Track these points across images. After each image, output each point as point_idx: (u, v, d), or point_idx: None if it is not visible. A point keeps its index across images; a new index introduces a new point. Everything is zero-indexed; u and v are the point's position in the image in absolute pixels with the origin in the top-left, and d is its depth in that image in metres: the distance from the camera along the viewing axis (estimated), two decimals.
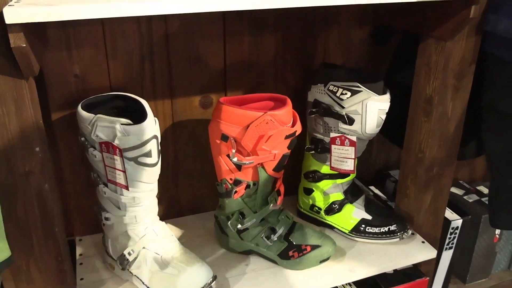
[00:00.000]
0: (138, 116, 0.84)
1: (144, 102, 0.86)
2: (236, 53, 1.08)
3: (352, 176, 1.11)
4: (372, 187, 1.38)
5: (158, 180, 0.90)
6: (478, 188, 1.47)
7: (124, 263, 0.91)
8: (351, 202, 1.12)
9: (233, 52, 1.07)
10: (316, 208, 1.14)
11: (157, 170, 0.86)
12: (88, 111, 0.84)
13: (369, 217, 1.10)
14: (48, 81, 0.95)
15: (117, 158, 0.81)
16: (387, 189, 1.37)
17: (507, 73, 0.94)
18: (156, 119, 0.86)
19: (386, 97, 1.01)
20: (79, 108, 0.85)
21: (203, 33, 1.03)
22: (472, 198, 1.41)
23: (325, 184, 1.11)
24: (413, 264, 1.14)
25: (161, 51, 1.01)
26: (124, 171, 0.82)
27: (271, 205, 0.99)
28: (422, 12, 0.97)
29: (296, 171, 1.19)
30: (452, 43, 0.95)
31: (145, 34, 0.98)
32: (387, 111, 1.02)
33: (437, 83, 0.99)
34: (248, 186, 0.97)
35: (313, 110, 1.05)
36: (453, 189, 1.45)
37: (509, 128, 0.94)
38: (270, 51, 1.11)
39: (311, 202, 1.14)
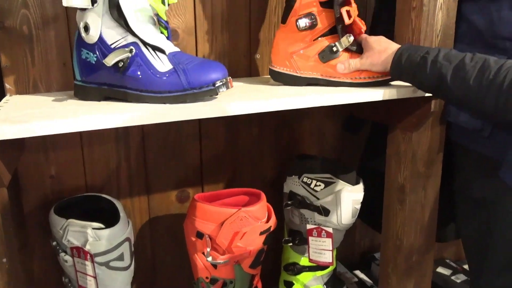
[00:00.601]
0: (112, 217, 0.84)
1: (117, 204, 0.86)
2: (212, 149, 1.10)
3: (332, 267, 1.10)
4: (357, 272, 1.35)
5: (136, 278, 0.88)
6: (465, 266, 1.45)
7: None
8: None
9: (209, 148, 1.10)
10: None
11: (129, 273, 0.85)
12: (62, 213, 0.84)
13: None
14: (23, 183, 0.96)
15: (88, 263, 0.80)
16: (373, 272, 1.35)
17: (471, 160, 0.97)
18: (129, 220, 0.86)
19: (360, 187, 1.03)
20: (52, 212, 0.85)
21: (179, 131, 1.06)
22: (460, 278, 1.39)
23: (305, 277, 1.09)
24: None
25: (137, 151, 1.03)
26: (95, 277, 0.80)
27: None
28: (386, 106, 1.01)
29: (275, 263, 1.18)
30: (418, 133, 0.98)
31: (121, 135, 1.01)
32: (361, 200, 1.03)
33: (407, 172, 1.01)
34: (224, 284, 0.95)
35: (289, 202, 1.06)
36: (440, 269, 1.43)
37: (478, 213, 0.96)
38: (245, 145, 1.13)
39: None
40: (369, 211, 1.13)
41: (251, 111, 0.74)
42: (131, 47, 0.74)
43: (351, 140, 1.26)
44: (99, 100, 0.78)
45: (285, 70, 0.92)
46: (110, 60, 0.72)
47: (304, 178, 1.04)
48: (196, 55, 1.04)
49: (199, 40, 1.03)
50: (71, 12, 0.90)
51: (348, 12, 0.86)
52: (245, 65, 1.09)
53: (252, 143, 1.14)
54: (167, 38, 0.79)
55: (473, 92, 0.75)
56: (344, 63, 0.88)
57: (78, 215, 0.83)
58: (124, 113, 0.67)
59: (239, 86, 0.93)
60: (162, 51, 0.75)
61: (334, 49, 0.88)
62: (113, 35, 0.75)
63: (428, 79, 0.80)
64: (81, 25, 0.76)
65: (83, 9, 0.75)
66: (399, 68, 0.84)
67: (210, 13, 1.03)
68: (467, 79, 0.75)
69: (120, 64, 0.74)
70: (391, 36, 1.00)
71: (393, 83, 0.92)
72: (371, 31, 1.13)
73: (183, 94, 0.72)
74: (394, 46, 0.86)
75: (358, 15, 0.91)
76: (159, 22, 0.77)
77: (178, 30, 1.01)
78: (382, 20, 1.10)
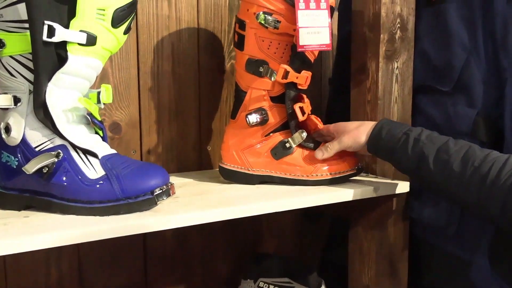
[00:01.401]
0: None
1: None
2: (158, 250, 0.99)
3: None
4: None
5: None
6: None
7: None
8: None
9: (155, 249, 0.99)
10: None
11: None
12: None
13: None
14: None
15: None
16: None
17: (438, 258, 0.91)
18: None
19: None
20: None
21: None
22: None
23: None
24: None
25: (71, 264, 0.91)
26: None
27: None
28: (346, 203, 0.95)
29: None
30: (381, 231, 0.92)
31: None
32: None
33: (372, 272, 0.93)
34: None
35: None
36: None
37: None
38: (196, 242, 1.03)
39: None
40: None
41: (196, 223, 0.65)
42: (58, 150, 0.65)
43: (312, 231, 1.18)
44: (19, 210, 0.67)
45: (237, 168, 0.85)
46: (30, 168, 0.63)
47: (260, 283, 0.94)
48: (141, 149, 0.96)
49: (144, 133, 0.96)
50: None
51: (301, 108, 0.82)
52: (195, 158, 1.01)
53: (204, 240, 1.04)
54: (103, 139, 0.71)
55: (455, 178, 0.68)
56: (322, 149, 0.82)
57: None
58: (40, 234, 0.56)
59: (186, 185, 0.84)
60: (94, 155, 0.66)
61: (287, 145, 0.83)
62: (38, 137, 0.66)
63: (408, 158, 0.73)
64: (2, 126, 0.67)
65: (5, 109, 0.67)
66: (377, 142, 0.77)
67: (157, 104, 0.97)
68: (450, 163, 0.69)
69: (45, 170, 0.64)
70: None
71: (353, 181, 0.86)
72: (326, 121, 1.09)
73: (116, 205, 0.63)
74: (369, 122, 0.81)
75: (313, 105, 0.86)
76: (93, 123, 0.69)
77: (121, 123, 0.93)
78: (336, 111, 1.07)
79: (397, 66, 0.90)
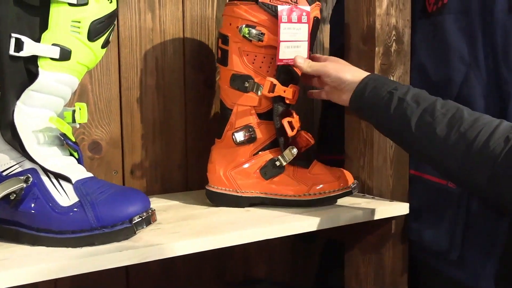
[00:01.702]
0: None
1: None
2: (143, 283, 0.92)
3: None
4: None
5: None
6: None
7: None
8: None
9: (139, 281, 0.92)
10: None
11: None
12: None
13: None
14: None
15: None
16: None
17: (440, 283, 0.85)
18: None
19: None
20: None
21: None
22: None
23: None
24: None
25: None
26: None
27: None
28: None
29: None
30: (379, 254, 0.86)
31: None
32: None
33: None
34: None
35: None
36: None
37: None
38: (182, 275, 0.97)
39: None
40: None
41: (179, 254, 0.60)
42: (28, 175, 0.60)
43: (305, 255, 1.12)
44: None
45: (224, 190, 0.79)
46: None
47: None
48: (123, 169, 0.90)
49: (126, 152, 0.90)
50: None
51: (290, 123, 0.77)
52: (181, 178, 0.96)
53: (191, 269, 0.97)
54: (78, 161, 0.65)
55: (439, 143, 0.63)
56: (304, 58, 0.76)
57: None
58: (6, 270, 0.50)
59: (170, 209, 0.79)
60: (68, 180, 0.61)
61: (277, 163, 0.77)
62: (6, 160, 0.61)
63: (390, 120, 0.67)
64: None
65: None
66: (360, 100, 0.71)
67: (140, 121, 0.91)
68: (433, 126, 0.63)
69: (12, 197, 0.58)
70: (341, 144, 0.92)
71: (349, 201, 0.81)
72: (318, 138, 1.05)
73: (90, 235, 0.58)
74: (361, 73, 0.74)
75: (305, 121, 0.82)
76: (66, 144, 0.64)
77: (101, 142, 0.87)
78: (329, 127, 1.03)
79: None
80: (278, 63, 0.75)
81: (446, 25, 0.80)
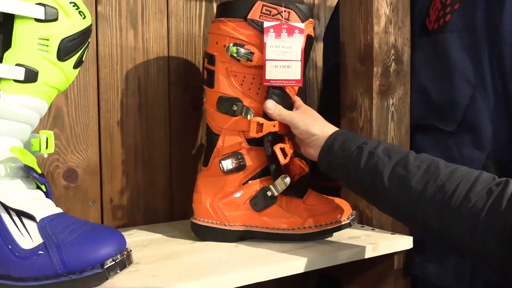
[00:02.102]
0: None
1: None
2: None
3: None
4: None
5: None
6: None
7: None
8: None
9: None
10: None
11: None
12: None
13: None
14: None
15: None
16: None
17: None
18: None
19: None
20: None
21: None
22: None
23: None
24: None
25: None
26: None
27: None
28: None
29: None
30: None
31: None
32: None
33: None
34: None
35: None
36: None
37: None
38: None
39: None
40: None
41: None
42: None
43: (299, 287, 1.05)
44: None
45: (211, 223, 0.72)
46: None
47: None
48: (101, 199, 0.83)
49: (105, 180, 0.83)
50: None
51: (282, 150, 0.70)
52: (165, 208, 0.89)
53: None
54: (46, 194, 0.58)
55: (414, 198, 0.57)
56: (276, 105, 0.70)
57: None
58: None
59: (152, 244, 0.72)
60: (31, 218, 0.53)
61: (269, 193, 0.71)
62: None
63: (361, 175, 0.62)
64: None
65: None
66: (329, 155, 0.66)
67: (120, 146, 0.84)
68: (408, 179, 0.58)
69: None
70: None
71: (347, 235, 0.74)
72: (312, 164, 0.99)
73: (56, 283, 0.50)
74: (331, 127, 0.69)
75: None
76: (32, 176, 0.57)
77: (77, 169, 0.80)
78: None
79: (393, 103, 0.80)
80: (265, 83, 0.69)
81: (448, 44, 0.75)
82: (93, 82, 0.81)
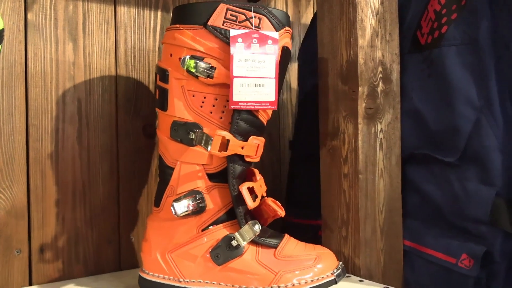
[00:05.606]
0: None
1: None
2: None
3: None
4: None
5: None
6: None
7: None
8: None
9: None
10: None
11: None
12: None
13: None
14: None
15: None
16: None
17: None
18: None
19: None
20: None
21: None
22: None
23: None
24: None
25: None
26: None
27: None
28: None
29: None
30: None
31: None
32: None
33: None
34: None
35: None
36: None
37: None
38: None
39: None
40: None
41: None
42: None
43: None
44: None
45: (162, 279, 0.58)
46: None
47: None
48: (29, 247, 0.67)
49: (35, 223, 0.68)
50: None
51: (251, 189, 0.57)
52: (112, 255, 0.73)
53: None
54: None
55: None
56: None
57: None
58: None
59: None
60: None
61: (234, 243, 0.57)
62: None
63: None
64: None
65: None
66: None
67: (55, 182, 0.69)
68: None
69: None
70: (316, 204, 0.73)
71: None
72: (288, 200, 0.86)
73: None
74: None
75: (271, 175, 0.62)
76: None
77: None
78: (302, 186, 0.83)
79: (381, 128, 0.68)
80: (232, 106, 0.55)
81: (445, 60, 0.64)
82: (20, 104, 0.67)
